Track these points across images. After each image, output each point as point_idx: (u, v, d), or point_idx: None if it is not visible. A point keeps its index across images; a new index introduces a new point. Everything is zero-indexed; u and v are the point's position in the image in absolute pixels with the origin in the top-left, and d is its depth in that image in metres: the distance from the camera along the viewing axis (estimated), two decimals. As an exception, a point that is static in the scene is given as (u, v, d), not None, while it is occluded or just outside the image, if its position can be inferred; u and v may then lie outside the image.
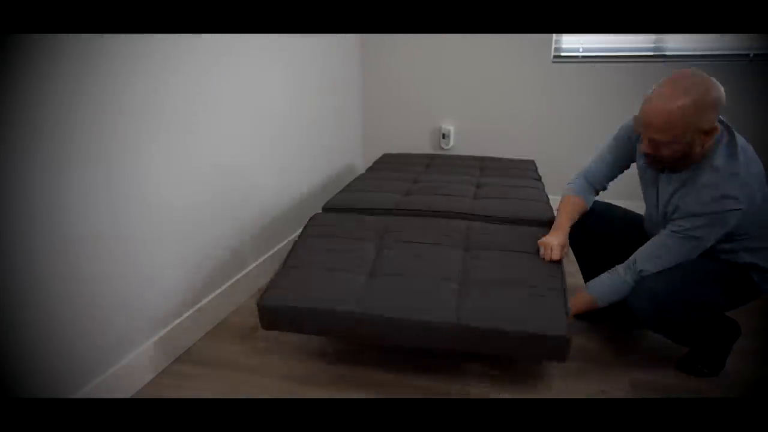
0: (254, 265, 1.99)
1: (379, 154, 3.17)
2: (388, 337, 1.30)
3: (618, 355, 1.56)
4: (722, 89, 1.19)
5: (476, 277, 1.42)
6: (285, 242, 2.25)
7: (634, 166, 1.56)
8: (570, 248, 1.64)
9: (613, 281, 1.42)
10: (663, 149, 1.25)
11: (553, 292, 1.34)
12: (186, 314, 1.60)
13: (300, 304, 1.32)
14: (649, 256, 1.37)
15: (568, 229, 1.55)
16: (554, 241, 1.49)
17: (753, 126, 2.59)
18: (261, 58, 1.91)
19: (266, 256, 2.08)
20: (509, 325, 1.23)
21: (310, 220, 1.75)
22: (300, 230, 2.39)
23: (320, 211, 2.54)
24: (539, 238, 1.56)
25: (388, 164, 2.56)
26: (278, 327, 1.36)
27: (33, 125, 1.05)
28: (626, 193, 2.40)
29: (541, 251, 1.50)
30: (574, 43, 2.74)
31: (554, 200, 2.95)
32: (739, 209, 1.23)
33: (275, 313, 1.34)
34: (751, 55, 2.49)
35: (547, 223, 1.68)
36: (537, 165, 2.83)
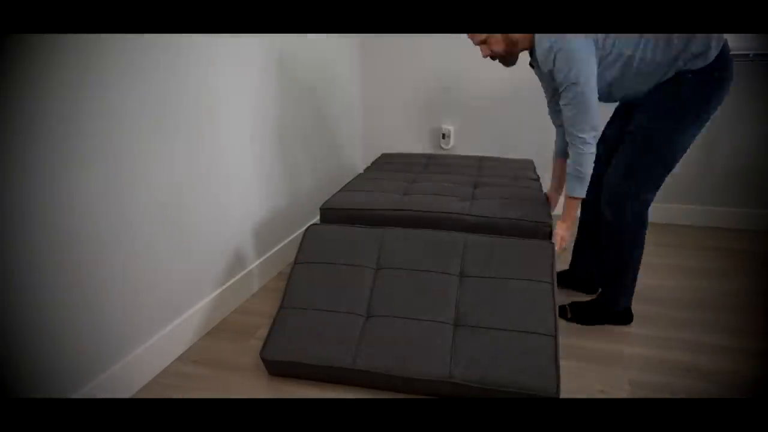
0: (254, 265, 1.99)
1: (378, 154, 3.17)
2: (381, 386, 1.39)
3: (617, 355, 1.56)
4: None
5: (469, 320, 1.45)
6: (285, 242, 2.25)
7: None
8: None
9: (570, 167, 1.59)
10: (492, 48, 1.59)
11: (545, 339, 1.38)
12: (186, 314, 1.60)
13: (298, 359, 1.41)
14: (569, 123, 1.53)
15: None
16: (566, 234, 1.70)
17: (753, 125, 2.59)
18: (260, 58, 1.91)
19: (266, 256, 2.08)
20: (501, 385, 1.29)
21: (304, 236, 1.75)
22: (299, 231, 2.39)
23: (319, 209, 2.54)
24: (533, 254, 1.60)
25: (387, 164, 2.56)
26: (282, 375, 1.47)
27: (32, 126, 1.05)
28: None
29: (557, 245, 1.68)
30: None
31: (554, 200, 2.96)
32: (565, 48, 1.44)
33: (277, 365, 1.44)
34: (751, 55, 2.49)
35: (543, 225, 1.69)
36: (536, 165, 2.83)
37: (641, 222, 1.60)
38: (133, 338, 1.39)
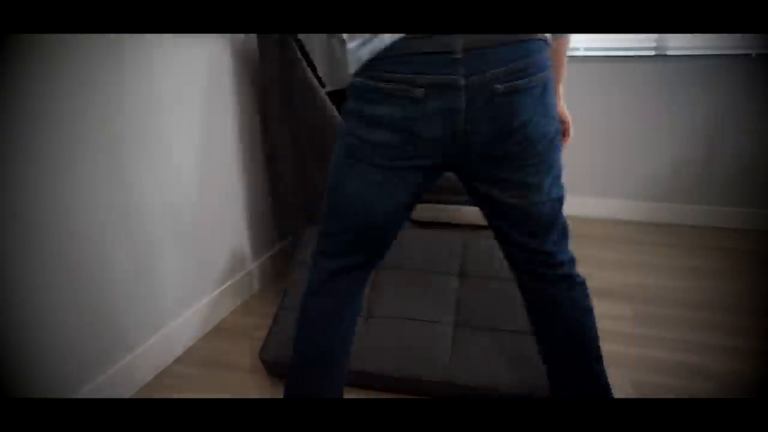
0: (254, 265, 1.99)
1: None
2: (381, 387, 1.39)
3: (618, 355, 1.55)
4: None
5: (469, 321, 1.45)
6: (285, 242, 2.25)
7: None
8: None
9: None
10: None
11: None
12: (186, 314, 1.60)
13: None
14: None
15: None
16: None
17: (754, 125, 2.58)
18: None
19: (266, 256, 2.08)
20: (499, 387, 1.29)
21: (301, 238, 1.74)
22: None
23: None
24: None
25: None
26: (282, 375, 1.47)
27: (27, 125, 1.06)
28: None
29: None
30: (574, 42, 2.73)
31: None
32: None
33: (276, 365, 1.43)
34: (754, 55, 2.48)
35: None
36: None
37: (304, 294, 0.97)
38: (133, 338, 1.39)
